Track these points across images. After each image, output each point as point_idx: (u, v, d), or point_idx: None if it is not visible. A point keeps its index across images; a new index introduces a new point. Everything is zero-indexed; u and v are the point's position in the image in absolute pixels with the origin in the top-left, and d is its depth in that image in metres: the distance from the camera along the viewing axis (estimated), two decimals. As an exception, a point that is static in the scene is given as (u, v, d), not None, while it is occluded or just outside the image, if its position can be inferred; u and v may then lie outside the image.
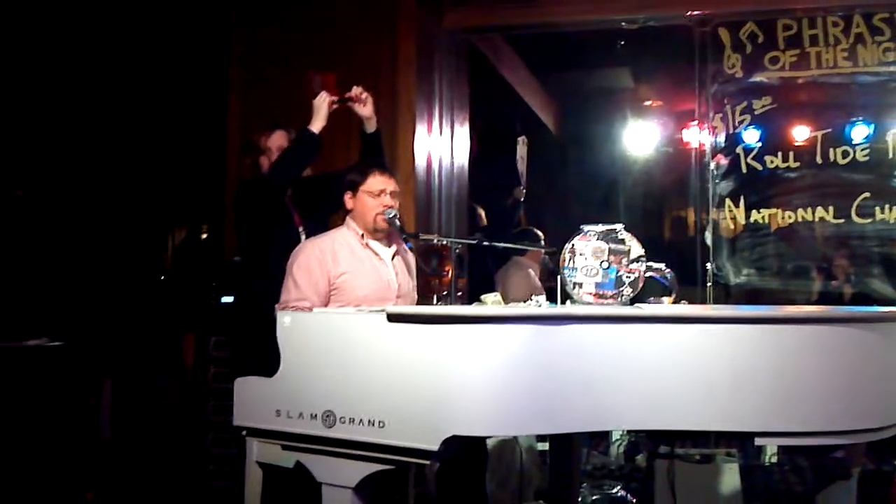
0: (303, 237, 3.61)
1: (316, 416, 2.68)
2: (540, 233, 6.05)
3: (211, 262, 5.52)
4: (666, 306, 3.02)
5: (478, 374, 2.47)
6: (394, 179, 3.42)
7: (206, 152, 5.64)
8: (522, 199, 6.77)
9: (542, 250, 5.76)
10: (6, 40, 5.59)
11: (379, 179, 3.36)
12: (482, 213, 6.21)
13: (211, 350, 4.66)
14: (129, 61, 6.15)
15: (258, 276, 3.59)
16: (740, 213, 5.18)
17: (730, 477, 4.29)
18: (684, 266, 4.98)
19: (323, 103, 3.62)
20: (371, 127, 3.75)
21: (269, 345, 2.85)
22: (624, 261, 2.89)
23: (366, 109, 3.72)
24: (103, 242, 6.28)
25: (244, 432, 2.96)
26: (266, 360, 2.86)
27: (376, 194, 3.34)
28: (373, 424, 2.57)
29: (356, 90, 3.71)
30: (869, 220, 4.98)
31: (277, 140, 3.76)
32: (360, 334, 2.65)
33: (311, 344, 2.75)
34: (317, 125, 3.60)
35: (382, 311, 2.62)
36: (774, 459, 4.92)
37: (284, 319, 2.84)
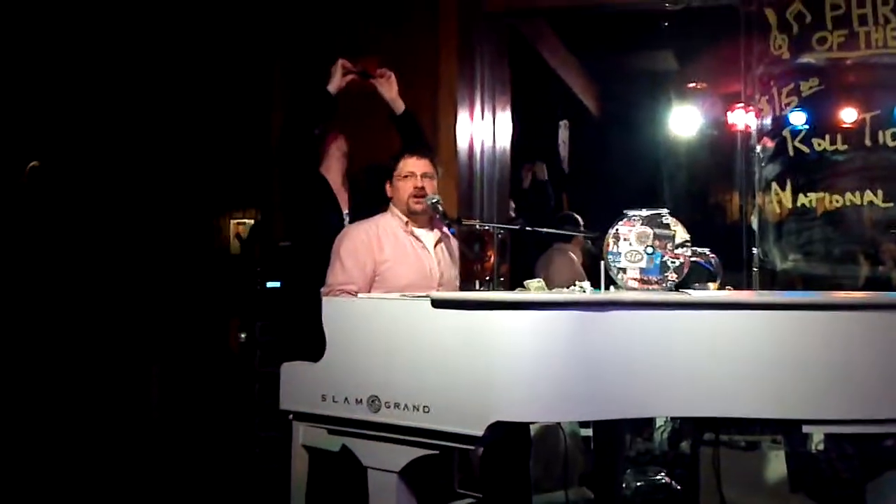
0: (346, 220, 3.64)
1: (361, 400, 2.71)
2: (579, 217, 6.01)
3: (259, 247, 5.57)
4: (712, 292, 3.00)
5: (523, 360, 2.47)
6: (425, 161, 3.41)
7: (252, 139, 5.69)
8: (546, 178, 6.72)
9: (581, 235, 5.73)
10: (52, 25, 5.68)
11: (408, 162, 3.39)
12: (511, 202, 6.17)
13: (257, 334, 4.71)
14: (177, 51, 6.22)
15: (306, 261, 3.62)
16: (787, 197, 5.10)
17: (776, 464, 4.25)
18: (729, 251, 4.91)
19: (337, 71, 3.78)
20: (398, 108, 3.84)
21: (315, 330, 2.88)
22: (669, 246, 2.87)
23: (388, 90, 3.82)
24: (150, 230, 6.37)
25: (291, 416, 3.00)
26: (312, 344, 2.89)
27: (406, 177, 3.37)
28: (418, 409, 2.59)
29: (378, 70, 3.86)
30: (919, 205, 4.88)
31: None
32: (405, 320, 2.67)
33: (356, 329, 2.77)
34: (331, 87, 3.77)
35: (427, 296, 2.63)
36: (821, 447, 4.86)
37: (329, 305, 2.88)
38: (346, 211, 3.77)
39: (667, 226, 2.88)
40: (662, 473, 4.63)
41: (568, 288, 3.02)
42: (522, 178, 6.67)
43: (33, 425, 4.90)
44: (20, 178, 5.14)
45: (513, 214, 6.15)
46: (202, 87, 6.46)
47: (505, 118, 5.54)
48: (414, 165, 3.38)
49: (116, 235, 6.14)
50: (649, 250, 2.88)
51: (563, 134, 7.76)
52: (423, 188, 3.35)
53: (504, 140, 5.53)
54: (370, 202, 3.71)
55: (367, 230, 3.34)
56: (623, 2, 5.33)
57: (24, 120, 5.63)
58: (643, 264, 2.88)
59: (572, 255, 5.69)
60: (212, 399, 5.62)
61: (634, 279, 2.88)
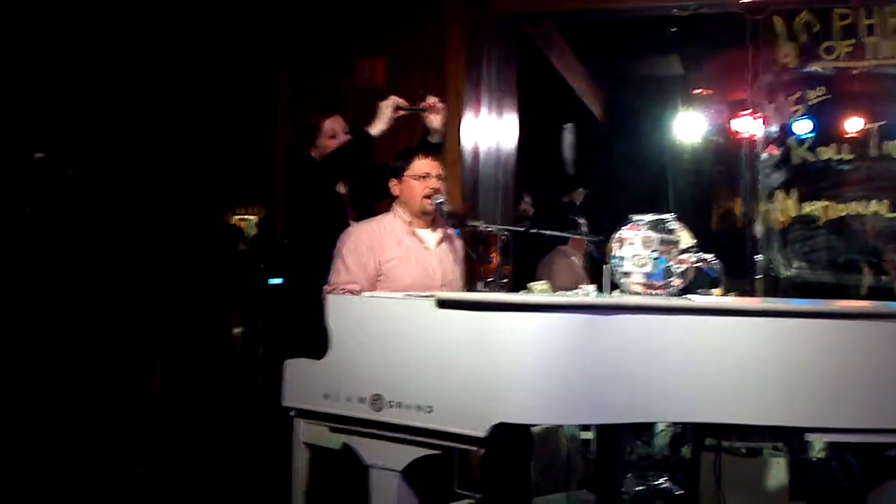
0: (351, 223, 3.63)
1: (364, 399, 2.70)
2: (582, 220, 6.00)
3: (261, 244, 5.57)
4: (716, 298, 3.00)
5: (526, 362, 2.47)
6: (438, 163, 3.41)
7: (256, 137, 5.70)
8: (580, 203, 6.73)
9: (586, 239, 5.73)
10: (63, 22, 5.70)
11: (423, 162, 3.37)
12: (528, 200, 6.18)
13: (260, 330, 4.72)
14: (185, 47, 6.24)
15: (306, 258, 3.63)
16: (791, 205, 5.11)
17: (777, 471, 4.25)
18: (733, 257, 4.92)
19: (387, 108, 3.55)
20: (436, 138, 3.68)
21: (317, 327, 2.88)
22: (674, 251, 2.87)
23: (436, 121, 3.65)
24: (155, 225, 6.38)
25: (293, 413, 3.00)
26: (315, 342, 2.89)
27: (421, 177, 3.35)
28: (420, 409, 2.58)
29: (431, 99, 3.63)
30: (924, 215, 4.89)
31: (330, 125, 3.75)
32: (410, 319, 2.66)
33: (361, 328, 2.76)
34: (376, 128, 3.54)
35: (433, 296, 2.63)
36: (822, 455, 4.86)
37: (334, 303, 2.88)
38: (349, 210, 3.76)
39: (672, 231, 2.88)
40: (663, 478, 4.63)
41: (571, 291, 3.02)
42: (564, 203, 6.69)
43: (36, 417, 4.90)
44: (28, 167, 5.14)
45: (529, 211, 6.16)
46: (209, 82, 6.48)
47: (510, 120, 5.54)
48: (429, 166, 3.37)
49: (121, 229, 6.15)
50: (654, 255, 2.87)
51: (568, 137, 7.77)
52: (437, 189, 3.36)
53: (509, 142, 5.54)
54: (367, 198, 3.70)
55: (370, 230, 3.35)
56: (630, 6, 5.33)
57: (31, 113, 5.64)
58: (648, 269, 2.87)
59: (574, 258, 5.69)
60: (213, 394, 5.63)
61: (638, 284, 2.87)
